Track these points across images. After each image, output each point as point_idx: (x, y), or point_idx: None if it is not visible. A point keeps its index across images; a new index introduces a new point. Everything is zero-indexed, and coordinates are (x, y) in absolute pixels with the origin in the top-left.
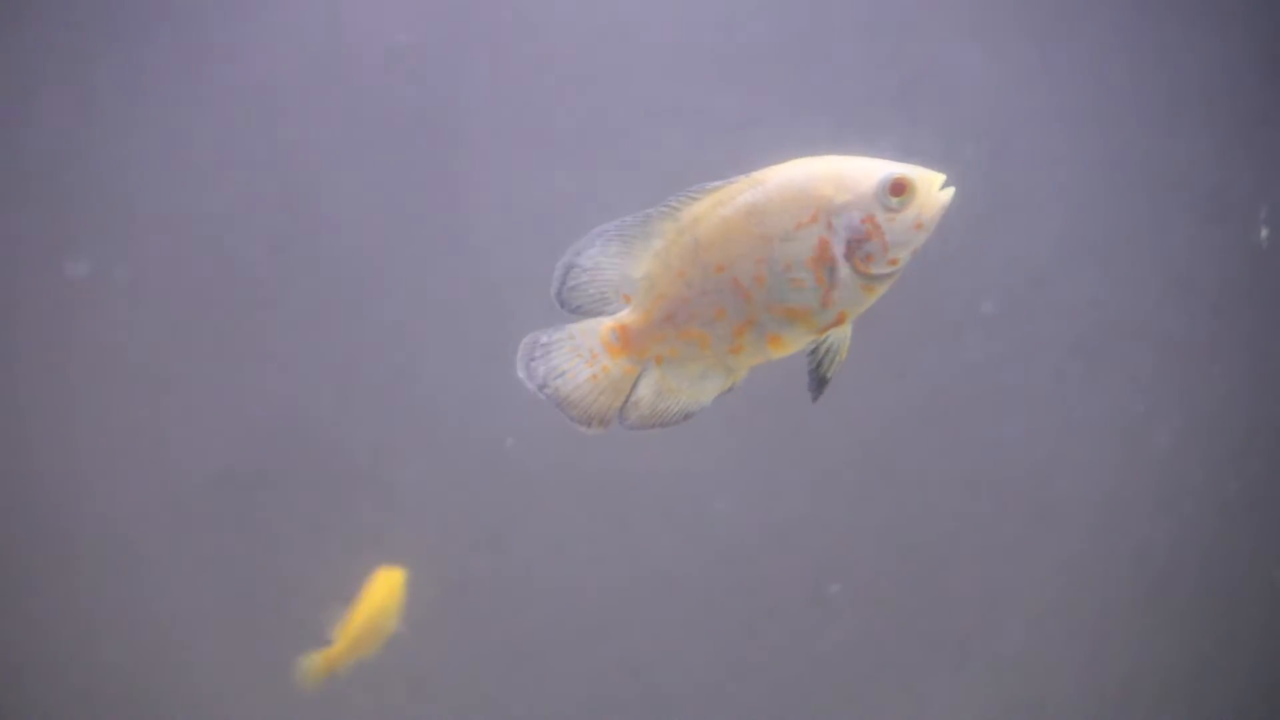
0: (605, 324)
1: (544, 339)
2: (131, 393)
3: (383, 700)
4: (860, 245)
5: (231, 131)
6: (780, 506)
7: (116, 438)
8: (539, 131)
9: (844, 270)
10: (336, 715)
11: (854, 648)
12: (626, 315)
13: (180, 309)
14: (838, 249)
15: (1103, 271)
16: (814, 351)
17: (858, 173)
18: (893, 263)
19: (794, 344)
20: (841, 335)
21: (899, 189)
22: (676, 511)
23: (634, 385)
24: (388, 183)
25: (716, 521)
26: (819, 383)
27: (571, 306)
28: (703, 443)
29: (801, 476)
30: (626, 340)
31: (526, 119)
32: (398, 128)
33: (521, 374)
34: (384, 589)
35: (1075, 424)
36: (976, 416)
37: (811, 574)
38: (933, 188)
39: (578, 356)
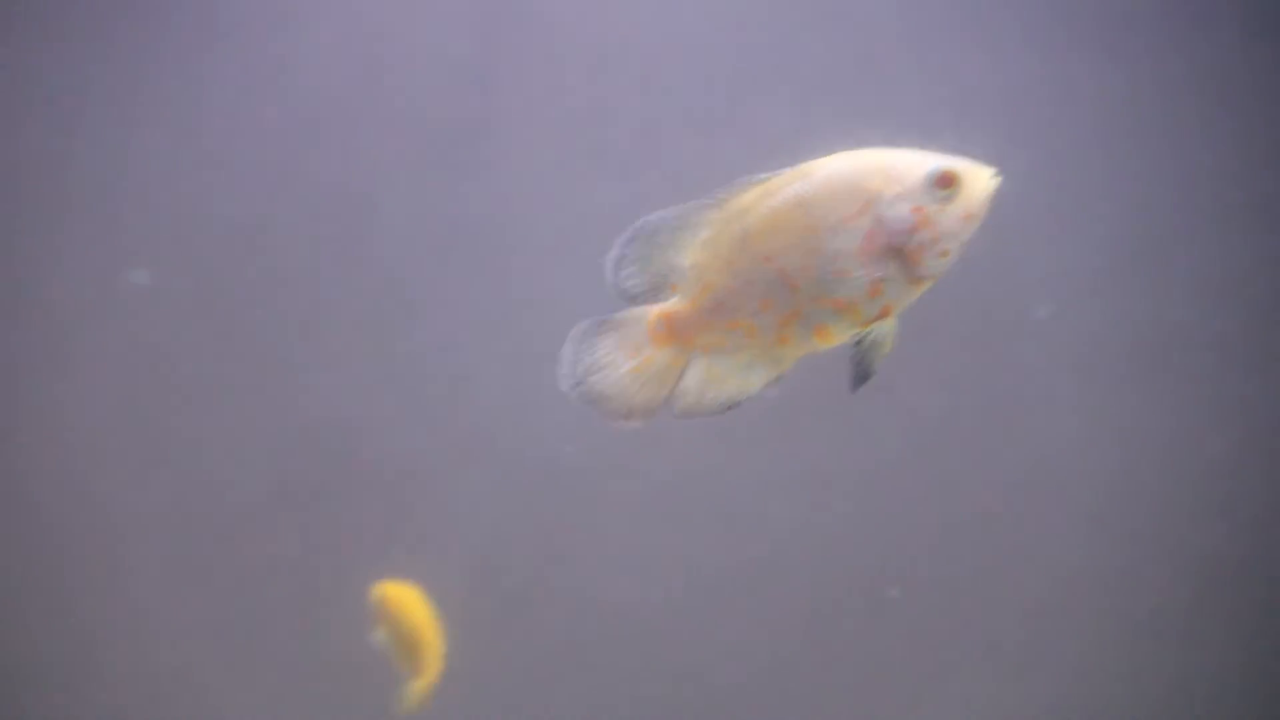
0: (653, 313)
1: (590, 328)
2: (182, 401)
3: (442, 714)
4: (909, 237)
5: (281, 140)
6: (836, 510)
7: (164, 447)
8: (591, 141)
9: (892, 263)
10: None
11: (911, 652)
12: (673, 305)
13: (229, 318)
14: (886, 241)
15: (1158, 278)
16: (859, 344)
17: (906, 165)
18: (942, 255)
19: (840, 336)
20: (887, 329)
21: (947, 181)
22: (733, 515)
23: (680, 375)
24: (440, 191)
25: (773, 525)
26: (861, 375)
27: (627, 296)
28: (758, 446)
29: (856, 479)
30: (673, 329)
31: (578, 128)
32: (448, 137)
33: (563, 370)
34: (417, 603)
35: (1130, 430)
36: (1030, 422)
37: (869, 578)
38: (981, 179)
39: (621, 348)
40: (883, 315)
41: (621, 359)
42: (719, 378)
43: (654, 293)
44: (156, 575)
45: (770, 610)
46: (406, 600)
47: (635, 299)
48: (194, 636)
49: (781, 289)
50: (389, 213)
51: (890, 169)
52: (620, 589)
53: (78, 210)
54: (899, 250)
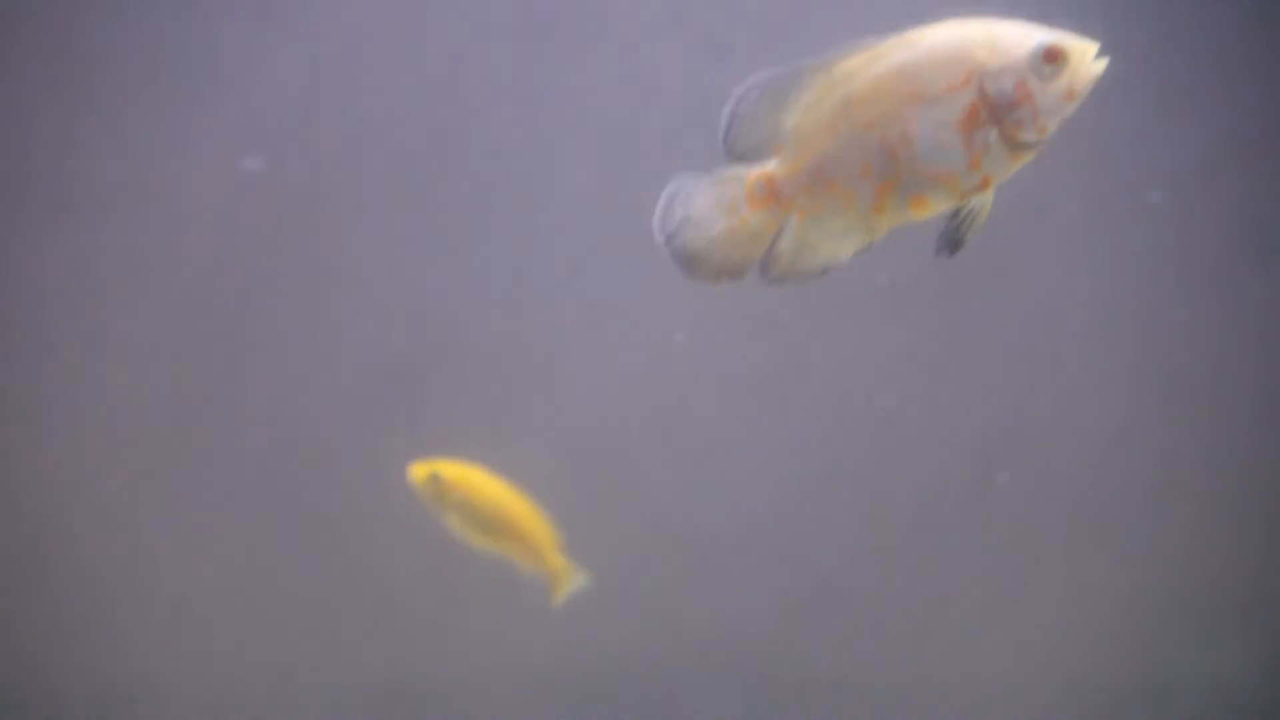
0: (753, 174)
1: (690, 185)
2: (309, 285)
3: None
4: (1011, 111)
5: (393, 36)
6: (945, 399)
7: (293, 329)
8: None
9: (992, 135)
10: (518, 617)
11: (1020, 537)
12: (775, 167)
13: (355, 203)
14: (987, 113)
15: (1270, 170)
16: (954, 215)
17: (1013, 38)
18: (1041, 130)
19: (936, 207)
20: (983, 201)
21: (1053, 56)
22: (840, 401)
23: (775, 238)
24: (549, 72)
25: (880, 411)
26: (952, 245)
27: (733, 154)
28: (867, 333)
29: (966, 365)
30: (772, 191)
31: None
32: (552, 20)
33: (657, 219)
34: (480, 479)
35: (1236, 319)
36: (1139, 307)
37: (979, 462)
38: (1086, 57)
39: (718, 208)
40: (982, 188)
41: (718, 217)
42: (813, 243)
43: (756, 153)
44: (263, 448)
45: (879, 497)
46: (465, 478)
47: (740, 157)
48: (318, 521)
49: (881, 157)
50: (503, 102)
51: (996, 41)
52: (732, 474)
53: (196, 100)
54: (1000, 123)
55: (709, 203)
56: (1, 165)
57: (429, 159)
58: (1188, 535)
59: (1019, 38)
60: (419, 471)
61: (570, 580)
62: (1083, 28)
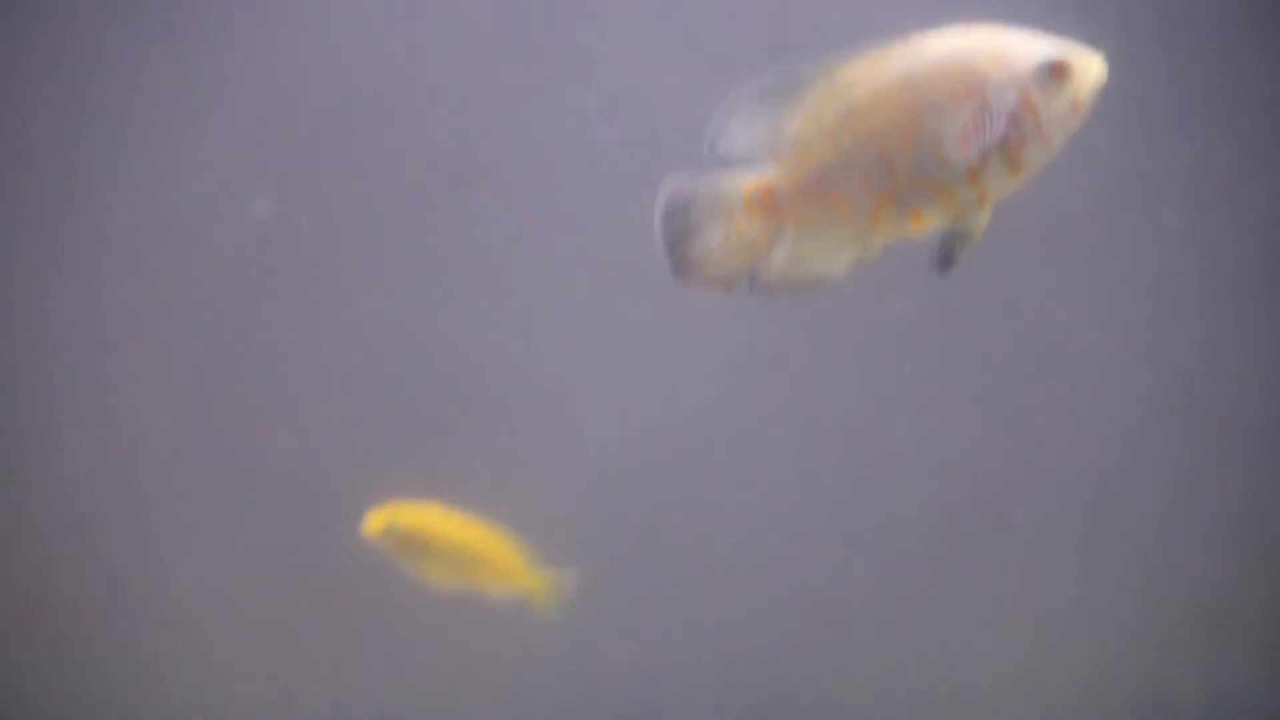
0: (749, 182)
1: (687, 189)
2: (311, 325)
3: (567, 634)
4: (1013, 126)
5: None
6: (962, 430)
7: (281, 381)
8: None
9: (994, 149)
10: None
11: (1035, 574)
12: (772, 175)
13: (352, 249)
14: (989, 127)
15: None
16: (949, 230)
17: (1018, 49)
18: (1045, 146)
19: (933, 222)
20: (981, 219)
21: (1058, 70)
22: (852, 434)
23: (767, 249)
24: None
25: (898, 444)
26: (945, 261)
27: (727, 160)
28: (877, 365)
29: (978, 392)
30: (769, 201)
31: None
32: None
33: (658, 223)
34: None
35: (1254, 342)
36: (1159, 334)
37: (992, 487)
38: (1090, 71)
39: (715, 216)
40: (979, 204)
41: (713, 226)
42: (806, 255)
43: (749, 159)
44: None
45: (888, 524)
46: (421, 522)
47: (733, 163)
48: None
49: (880, 168)
50: (512, 143)
51: (1001, 52)
52: (747, 508)
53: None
54: (1002, 138)
55: (704, 208)
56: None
57: (435, 194)
58: (1204, 574)
59: (1025, 49)
60: (374, 523)
61: (551, 589)
62: (1094, 42)
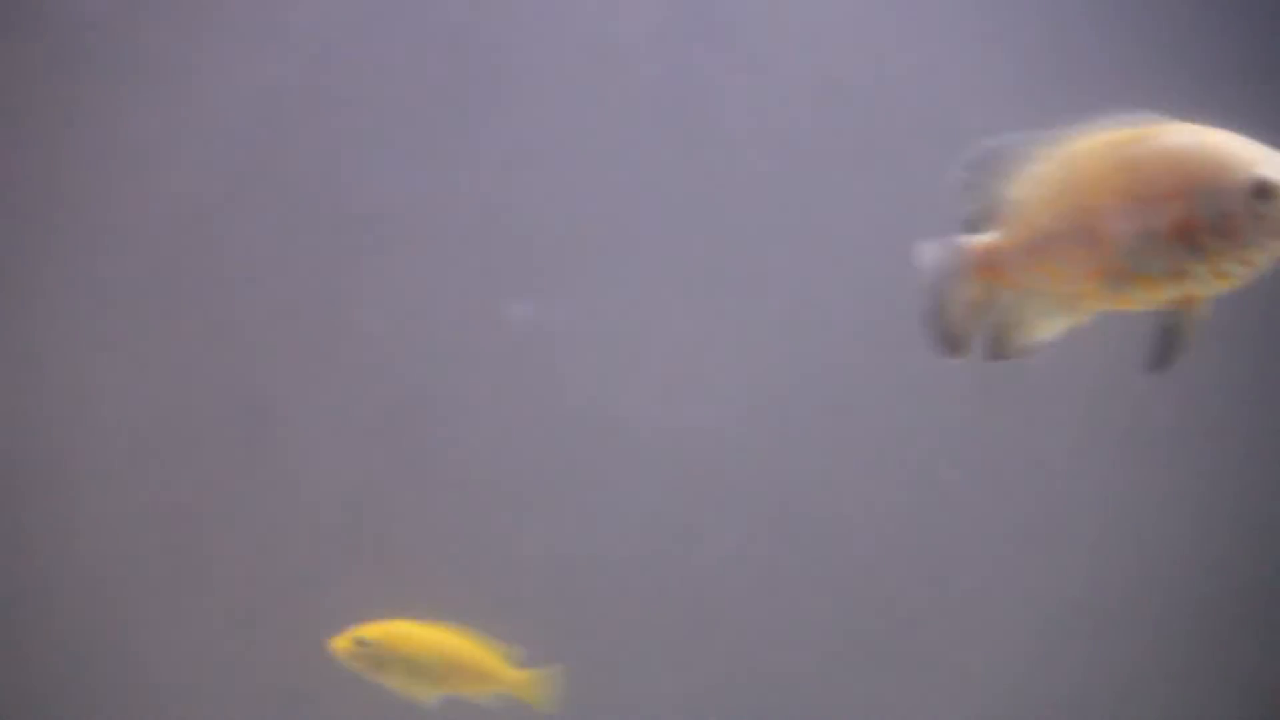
0: (977, 244)
1: (930, 253)
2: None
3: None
4: (1219, 235)
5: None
6: (950, 503)
7: (251, 449)
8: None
9: (1195, 254)
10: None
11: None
12: (995, 239)
13: (332, 306)
14: (1195, 230)
15: None
16: (1162, 325)
17: (1239, 160)
18: (1245, 262)
19: (1140, 305)
20: (1192, 316)
21: (1266, 192)
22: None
23: (990, 312)
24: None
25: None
26: (1158, 360)
27: (965, 222)
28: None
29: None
30: (993, 263)
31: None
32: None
33: (922, 275)
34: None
35: None
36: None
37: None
38: None
39: (945, 277)
40: (1185, 304)
41: (946, 288)
42: (1022, 320)
43: (979, 221)
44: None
45: (844, 610)
46: (392, 637)
47: (963, 226)
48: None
49: (1092, 244)
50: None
51: (1221, 159)
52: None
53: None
54: (1206, 243)
55: (941, 270)
56: None
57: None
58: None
59: (1245, 161)
60: (342, 644)
61: (539, 685)
62: None
